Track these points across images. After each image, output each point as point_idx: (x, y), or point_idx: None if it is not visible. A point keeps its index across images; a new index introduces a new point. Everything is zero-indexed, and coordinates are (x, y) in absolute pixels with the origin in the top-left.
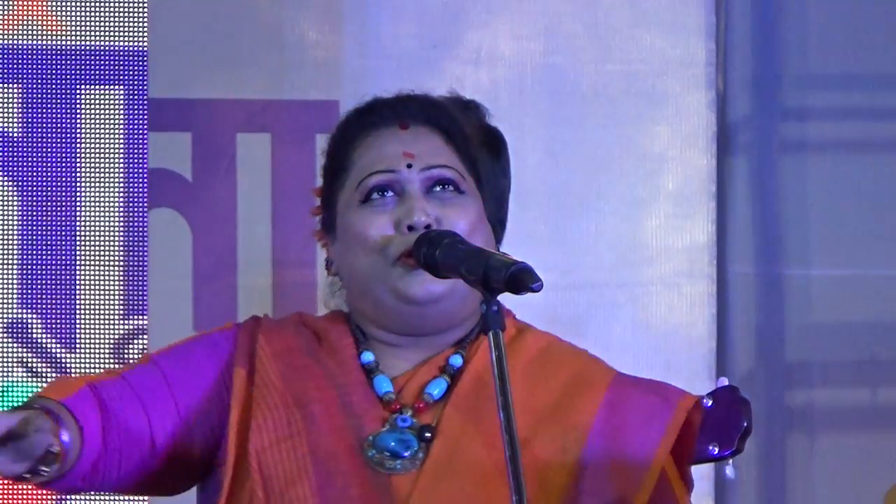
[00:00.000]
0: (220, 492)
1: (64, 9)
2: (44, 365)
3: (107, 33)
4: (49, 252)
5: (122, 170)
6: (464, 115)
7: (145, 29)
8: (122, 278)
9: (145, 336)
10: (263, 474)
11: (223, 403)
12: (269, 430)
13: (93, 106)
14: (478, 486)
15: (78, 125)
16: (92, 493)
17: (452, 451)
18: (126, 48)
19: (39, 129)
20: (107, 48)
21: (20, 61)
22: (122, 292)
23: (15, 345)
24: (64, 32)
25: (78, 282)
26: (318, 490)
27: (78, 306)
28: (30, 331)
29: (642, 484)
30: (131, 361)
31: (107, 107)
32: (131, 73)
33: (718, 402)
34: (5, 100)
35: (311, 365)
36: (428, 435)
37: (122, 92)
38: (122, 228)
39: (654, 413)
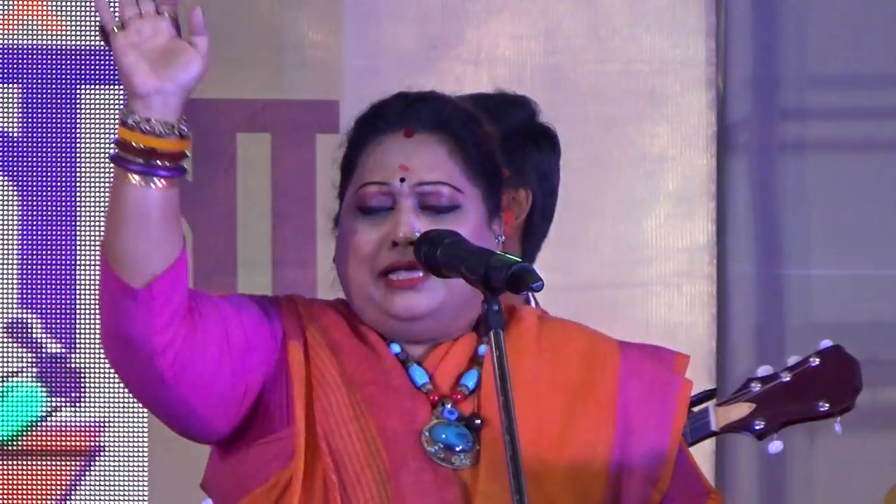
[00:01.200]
0: (277, 467)
1: (64, 9)
2: (44, 365)
3: None
4: (49, 252)
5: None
6: (512, 112)
7: None
8: None
9: None
10: (335, 457)
11: (275, 364)
12: (333, 411)
13: (93, 106)
14: (531, 469)
15: (78, 125)
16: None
17: (499, 438)
18: None
19: (39, 129)
20: (107, 48)
21: (20, 61)
22: None
23: (15, 345)
24: (64, 32)
25: (78, 282)
26: (393, 474)
27: (78, 306)
28: (30, 331)
29: (668, 457)
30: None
31: (107, 107)
32: None
33: (826, 362)
34: (5, 100)
35: (354, 346)
36: (478, 422)
37: (122, 92)
38: None
39: (666, 386)
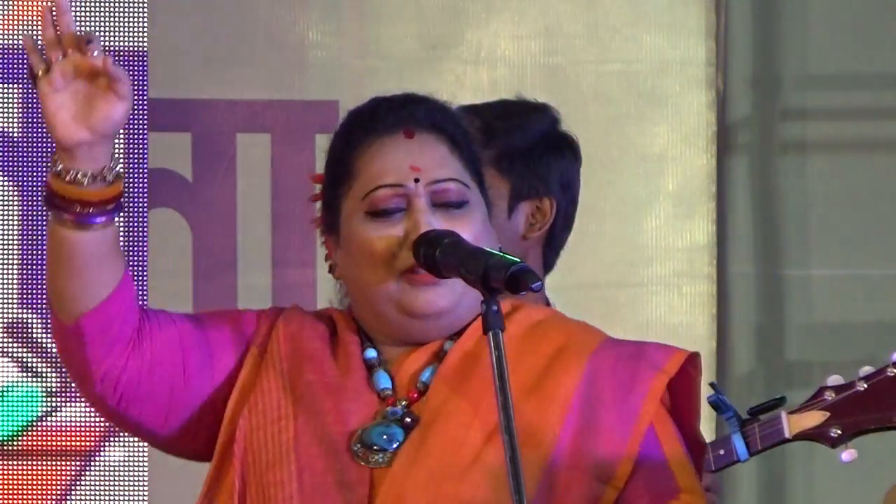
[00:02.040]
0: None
1: None
2: (44, 365)
3: (107, 33)
4: None
5: (122, 170)
6: (535, 120)
7: (145, 29)
8: None
9: None
10: (245, 460)
11: (233, 380)
12: (258, 413)
13: None
14: (448, 468)
15: None
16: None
17: (425, 437)
18: (126, 48)
19: (39, 129)
20: (107, 48)
21: (20, 61)
22: None
23: (15, 345)
24: None
25: None
26: (297, 475)
27: None
28: (30, 331)
29: (626, 455)
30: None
31: None
32: (131, 73)
33: None
34: (5, 100)
35: (319, 351)
36: (408, 420)
37: None
38: (122, 228)
39: (632, 384)
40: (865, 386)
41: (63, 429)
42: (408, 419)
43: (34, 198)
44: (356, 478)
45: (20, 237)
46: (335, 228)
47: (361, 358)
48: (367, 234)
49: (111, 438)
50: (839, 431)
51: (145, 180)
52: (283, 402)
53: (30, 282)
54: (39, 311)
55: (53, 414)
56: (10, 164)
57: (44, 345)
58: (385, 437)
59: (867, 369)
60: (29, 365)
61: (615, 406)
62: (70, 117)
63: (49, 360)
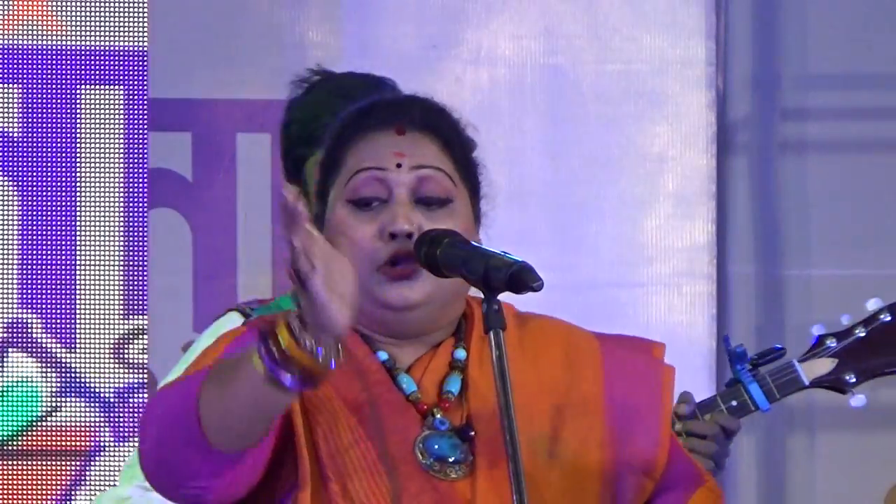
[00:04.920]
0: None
1: (64, 9)
2: (44, 365)
3: (107, 33)
4: (49, 252)
5: (122, 170)
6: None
7: (145, 29)
8: (122, 278)
9: (145, 336)
10: (340, 484)
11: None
12: (334, 436)
13: (93, 106)
14: (525, 478)
15: (78, 125)
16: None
17: (492, 447)
18: (126, 48)
19: (39, 129)
20: (107, 48)
21: (20, 61)
22: (122, 292)
23: (15, 345)
24: (64, 32)
25: (78, 282)
26: (395, 499)
27: (78, 306)
28: (30, 331)
29: (661, 444)
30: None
31: (107, 107)
32: (131, 73)
33: None
34: (5, 100)
35: (343, 362)
36: (472, 433)
37: (122, 92)
38: (122, 228)
39: (651, 375)
40: (865, 332)
41: (63, 429)
42: (469, 432)
43: (34, 198)
44: (448, 496)
45: (20, 237)
46: (322, 218)
47: (377, 361)
48: (348, 226)
49: (111, 438)
50: (854, 377)
51: (145, 180)
52: (350, 423)
53: (30, 282)
54: (39, 311)
55: (54, 414)
56: (10, 164)
57: (44, 345)
58: (451, 448)
59: (850, 319)
60: (29, 365)
61: (641, 399)
62: (340, 303)
63: (49, 360)
